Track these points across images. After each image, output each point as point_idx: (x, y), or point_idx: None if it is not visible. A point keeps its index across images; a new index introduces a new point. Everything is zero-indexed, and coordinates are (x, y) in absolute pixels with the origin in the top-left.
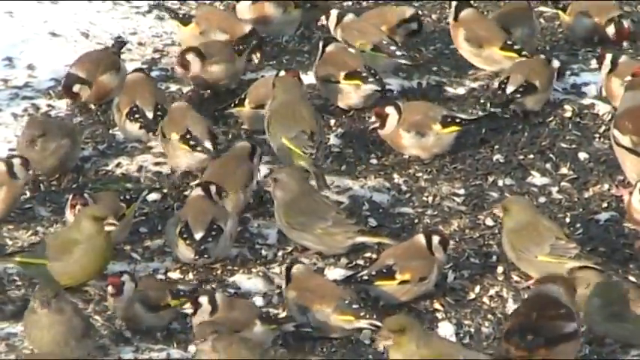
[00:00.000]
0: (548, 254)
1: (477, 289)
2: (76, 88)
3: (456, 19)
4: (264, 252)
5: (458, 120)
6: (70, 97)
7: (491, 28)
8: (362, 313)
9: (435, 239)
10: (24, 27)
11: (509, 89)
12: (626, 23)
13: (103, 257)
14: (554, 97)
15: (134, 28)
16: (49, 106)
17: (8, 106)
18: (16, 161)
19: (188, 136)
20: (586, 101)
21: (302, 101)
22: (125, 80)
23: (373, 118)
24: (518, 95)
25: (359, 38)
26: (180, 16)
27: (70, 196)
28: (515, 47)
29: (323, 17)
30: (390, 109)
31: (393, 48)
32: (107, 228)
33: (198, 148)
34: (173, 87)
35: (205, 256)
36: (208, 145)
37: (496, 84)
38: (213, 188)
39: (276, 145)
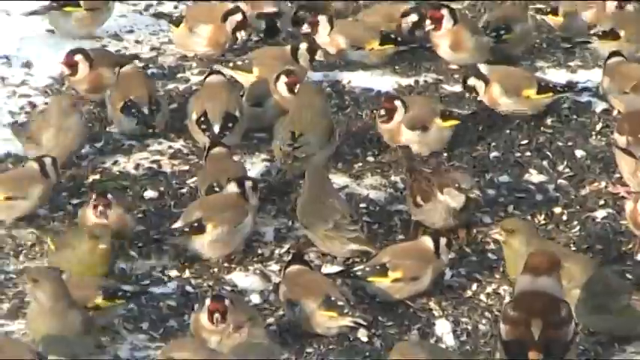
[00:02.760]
0: None
1: (474, 286)
2: (78, 57)
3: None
4: (260, 250)
5: (456, 113)
6: (68, 66)
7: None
8: (346, 311)
9: (442, 241)
10: (21, 25)
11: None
12: None
13: (92, 270)
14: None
15: (131, 26)
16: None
17: (5, 104)
18: (47, 160)
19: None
20: (583, 99)
21: (317, 110)
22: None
23: (382, 112)
24: (595, 37)
25: (364, 37)
26: (174, 18)
27: (93, 197)
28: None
29: (305, 26)
30: (398, 103)
31: (393, 36)
32: (100, 246)
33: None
34: (170, 85)
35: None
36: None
37: None
38: (249, 184)
39: (276, 149)
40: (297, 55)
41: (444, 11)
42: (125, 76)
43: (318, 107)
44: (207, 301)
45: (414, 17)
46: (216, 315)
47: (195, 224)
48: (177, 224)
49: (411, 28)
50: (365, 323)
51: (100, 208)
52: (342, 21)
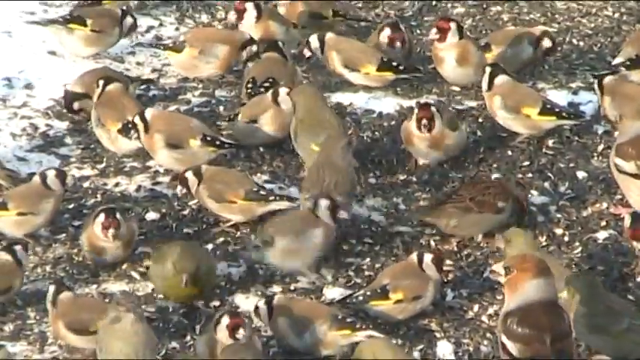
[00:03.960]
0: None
1: (476, 307)
2: (76, 105)
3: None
4: (262, 271)
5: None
6: (74, 114)
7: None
8: (358, 325)
9: (427, 257)
10: (22, 47)
11: (616, 60)
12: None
13: (181, 296)
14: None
15: (132, 48)
16: (47, 125)
17: (7, 126)
18: (50, 173)
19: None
20: (584, 120)
21: (325, 107)
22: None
23: (424, 121)
24: (623, 68)
25: (360, 60)
26: (171, 45)
27: (103, 216)
28: None
29: (305, 50)
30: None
31: (394, 64)
32: (181, 285)
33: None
34: (172, 107)
35: None
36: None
37: None
38: (324, 203)
39: (305, 152)
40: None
41: (452, 24)
42: (113, 96)
43: (327, 105)
44: (225, 319)
45: (387, 32)
46: (240, 330)
47: (267, 239)
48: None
49: (388, 43)
50: (381, 335)
51: (112, 231)
52: (342, 39)
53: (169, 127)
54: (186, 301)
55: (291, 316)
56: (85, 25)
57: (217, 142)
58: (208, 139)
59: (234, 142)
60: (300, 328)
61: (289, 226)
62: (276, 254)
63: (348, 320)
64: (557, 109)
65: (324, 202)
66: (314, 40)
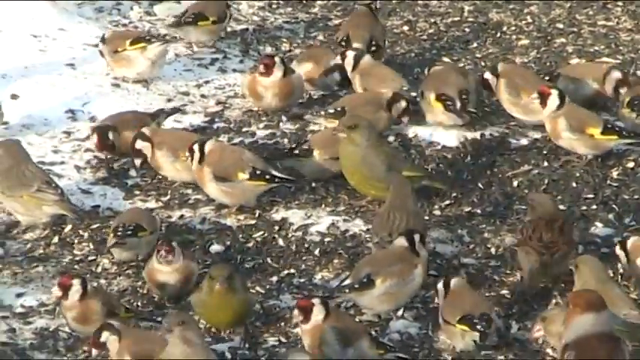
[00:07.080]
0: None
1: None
2: (111, 135)
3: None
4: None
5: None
6: (106, 149)
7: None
8: (390, 347)
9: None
10: (86, 79)
11: None
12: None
13: (221, 315)
14: (617, 148)
15: (197, 80)
16: (111, 157)
17: (71, 159)
18: None
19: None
20: None
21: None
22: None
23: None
24: None
25: (378, 86)
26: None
27: (158, 243)
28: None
29: (338, 57)
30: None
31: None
32: (216, 287)
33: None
34: (236, 139)
35: None
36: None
37: None
38: (417, 237)
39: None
40: (392, 105)
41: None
42: (165, 132)
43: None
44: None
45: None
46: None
47: (365, 280)
48: (347, 282)
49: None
50: (409, 357)
51: (162, 252)
52: (370, 65)
53: (219, 159)
54: (229, 321)
55: (340, 326)
56: (208, 19)
57: (267, 177)
58: (258, 172)
59: (286, 176)
60: (346, 341)
61: (390, 269)
62: (374, 298)
63: (381, 340)
64: (617, 129)
65: (416, 236)
66: (349, 59)
